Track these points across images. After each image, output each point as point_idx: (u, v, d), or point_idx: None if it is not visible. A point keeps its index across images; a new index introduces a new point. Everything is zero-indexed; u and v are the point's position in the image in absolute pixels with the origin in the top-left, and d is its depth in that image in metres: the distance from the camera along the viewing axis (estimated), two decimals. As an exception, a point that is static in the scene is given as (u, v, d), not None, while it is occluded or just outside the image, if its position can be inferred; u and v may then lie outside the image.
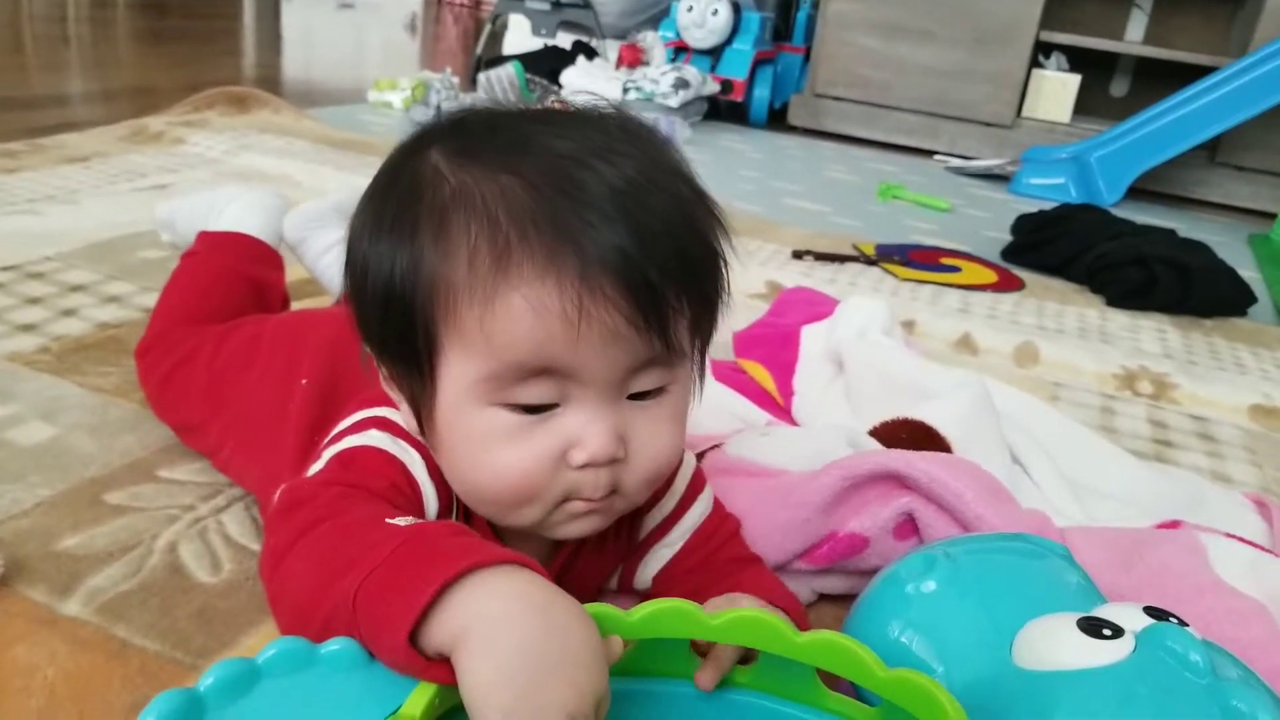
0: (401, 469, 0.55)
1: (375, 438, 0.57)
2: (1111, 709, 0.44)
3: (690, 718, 0.52)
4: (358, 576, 0.42)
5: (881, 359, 0.94)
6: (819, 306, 1.16)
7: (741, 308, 1.37)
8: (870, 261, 1.70)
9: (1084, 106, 2.89)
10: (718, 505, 0.67)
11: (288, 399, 0.70)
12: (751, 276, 1.52)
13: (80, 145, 1.88)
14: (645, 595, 0.66)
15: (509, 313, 0.47)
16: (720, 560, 0.65)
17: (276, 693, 0.41)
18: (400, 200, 0.51)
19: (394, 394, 0.56)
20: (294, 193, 1.69)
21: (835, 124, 3.11)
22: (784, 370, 1.04)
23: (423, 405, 0.54)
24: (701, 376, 0.58)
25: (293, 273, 1.03)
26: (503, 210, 0.47)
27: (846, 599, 0.71)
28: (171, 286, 0.93)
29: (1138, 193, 2.54)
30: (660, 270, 0.48)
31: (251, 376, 0.76)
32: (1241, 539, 0.77)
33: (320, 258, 1.05)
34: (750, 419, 0.96)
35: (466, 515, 0.58)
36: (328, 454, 0.56)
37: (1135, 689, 0.44)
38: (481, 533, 0.56)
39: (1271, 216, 2.40)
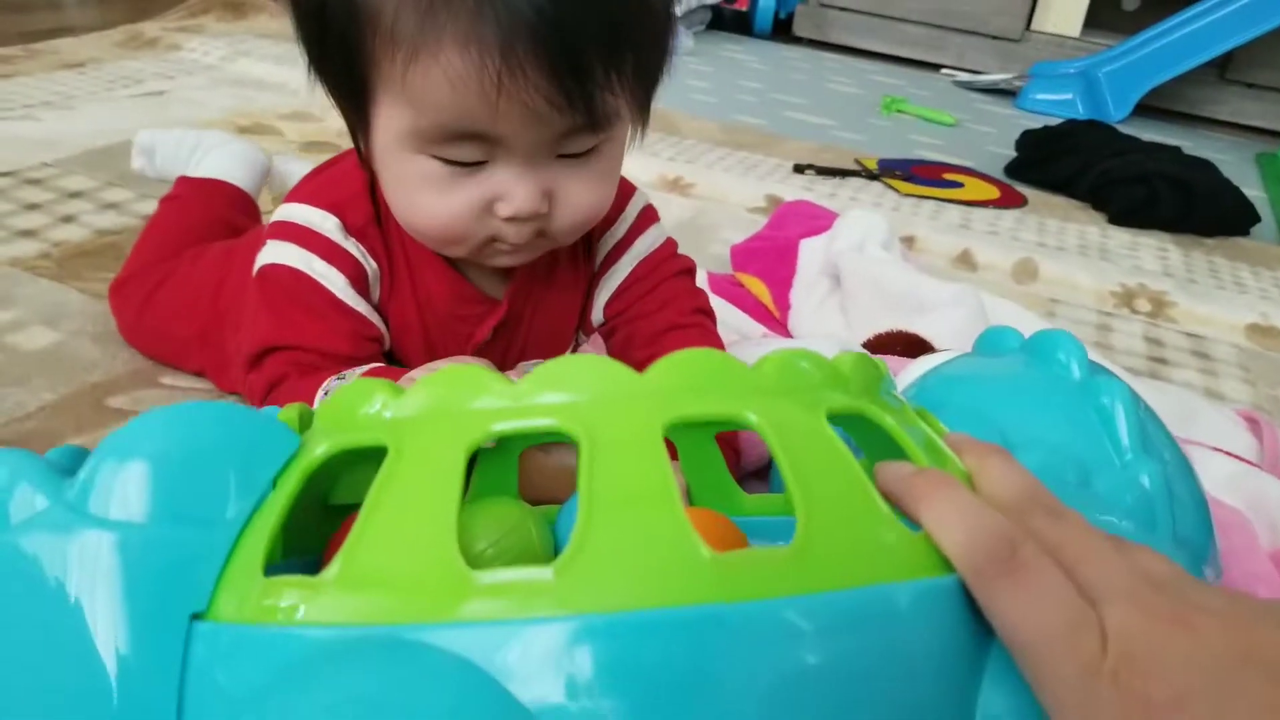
0: (320, 292, 0.60)
1: (288, 256, 0.61)
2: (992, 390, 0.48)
3: None
4: None
5: (878, 272, 0.94)
6: (818, 220, 1.16)
7: (740, 221, 1.37)
8: (872, 176, 1.69)
9: (1095, 20, 2.82)
10: (669, 243, 0.72)
11: None
12: (751, 190, 1.51)
13: (76, 50, 1.85)
14: (603, 332, 0.72)
15: (429, 79, 0.48)
16: (660, 292, 0.69)
17: None
18: None
19: (339, 113, 0.58)
20: (291, 101, 1.67)
21: (841, 35, 3.05)
22: (781, 284, 1.05)
23: (359, 137, 0.57)
24: (644, 126, 0.59)
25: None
26: None
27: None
28: (151, 228, 0.93)
29: (1146, 109, 2.50)
30: (588, 44, 0.48)
31: (232, 278, 0.76)
32: (1229, 453, 0.78)
33: None
34: (745, 331, 0.97)
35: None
36: (259, 262, 0.62)
37: (1021, 380, 0.48)
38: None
39: (1280, 135, 2.38)
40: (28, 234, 1.06)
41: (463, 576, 0.27)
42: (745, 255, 1.13)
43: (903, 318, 0.87)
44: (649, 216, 0.72)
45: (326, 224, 0.61)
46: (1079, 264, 1.39)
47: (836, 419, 0.32)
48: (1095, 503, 0.43)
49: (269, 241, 0.62)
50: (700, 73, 2.43)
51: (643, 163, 1.58)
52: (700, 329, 0.70)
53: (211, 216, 0.93)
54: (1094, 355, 1.06)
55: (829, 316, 0.97)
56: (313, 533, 0.43)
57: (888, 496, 0.31)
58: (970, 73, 2.80)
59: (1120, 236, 1.55)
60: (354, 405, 0.32)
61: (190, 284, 0.81)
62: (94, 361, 0.84)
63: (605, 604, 0.26)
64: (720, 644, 0.26)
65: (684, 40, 2.61)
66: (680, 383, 0.30)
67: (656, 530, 0.26)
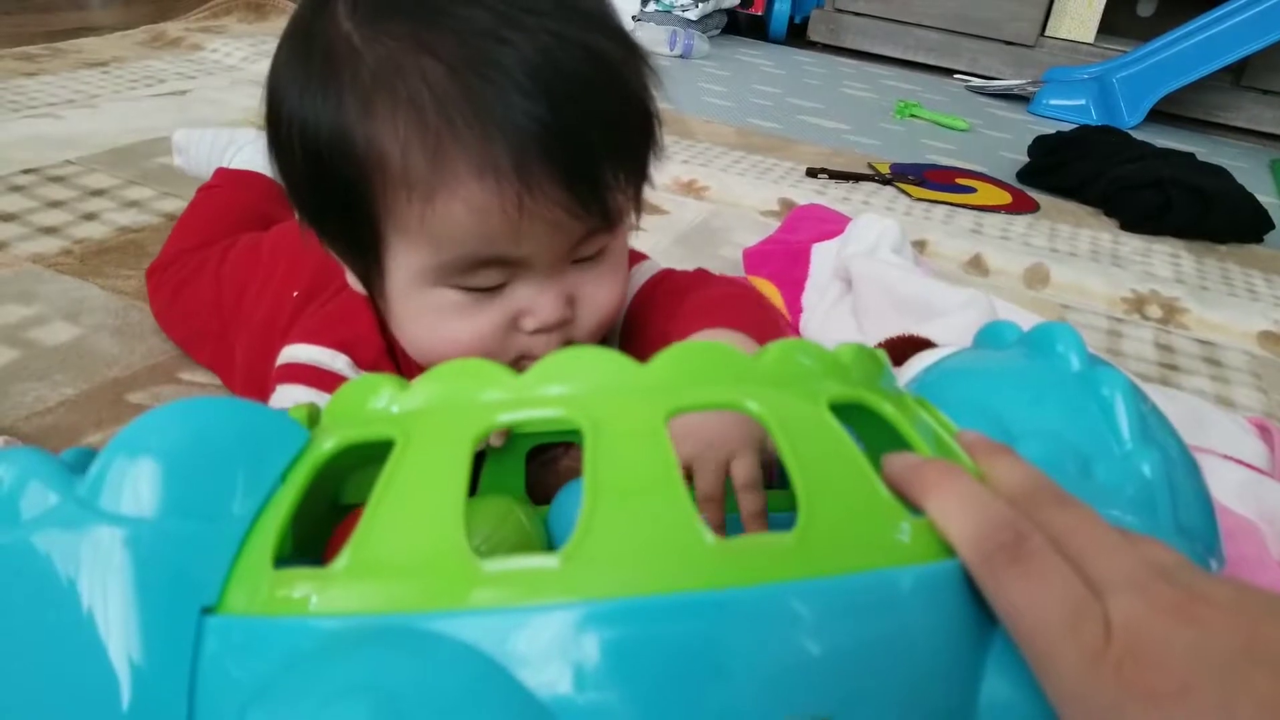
0: None
1: (300, 400, 0.56)
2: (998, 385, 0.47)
3: None
4: None
5: (890, 276, 0.95)
6: (830, 224, 1.17)
7: (753, 224, 1.38)
8: (885, 181, 1.69)
9: (1109, 26, 2.82)
10: (666, 272, 0.68)
11: (282, 309, 0.71)
12: (765, 193, 1.52)
13: (99, 50, 1.88)
14: None
15: (450, 214, 0.48)
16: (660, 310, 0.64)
17: None
18: (322, 73, 0.49)
19: (336, 258, 0.57)
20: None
21: (856, 40, 3.05)
22: (793, 287, 1.05)
23: (372, 283, 0.55)
24: (638, 213, 0.58)
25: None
26: (428, 98, 0.46)
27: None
28: (188, 216, 0.96)
29: (1159, 115, 2.50)
30: (594, 147, 0.48)
31: (254, 285, 0.77)
32: (1239, 461, 0.78)
33: None
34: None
35: None
36: None
37: (1020, 372, 0.48)
38: None
39: (1296, 142, 2.37)
40: (50, 230, 1.07)
41: (471, 564, 0.28)
42: (758, 258, 1.14)
43: (914, 322, 0.88)
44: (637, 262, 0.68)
45: (337, 363, 0.59)
46: (1091, 270, 1.39)
47: (838, 410, 0.33)
48: (1097, 493, 0.43)
49: (278, 387, 0.59)
50: (716, 76, 2.44)
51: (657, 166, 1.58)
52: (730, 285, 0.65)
53: (246, 205, 0.95)
54: (1105, 359, 1.06)
55: (841, 320, 0.98)
56: (323, 531, 0.44)
57: (893, 486, 0.32)
58: (984, 78, 2.81)
59: (1133, 243, 1.55)
60: (361, 400, 0.33)
61: (217, 282, 0.82)
62: (114, 357, 0.85)
63: (610, 590, 0.26)
64: (725, 629, 0.26)
65: (700, 44, 2.62)
66: (682, 373, 0.31)
67: (660, 517, 0.27)
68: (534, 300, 0.53)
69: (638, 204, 0.57)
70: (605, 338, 0.67)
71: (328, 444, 0.32)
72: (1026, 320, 1.01)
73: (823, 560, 0.28)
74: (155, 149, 1.35)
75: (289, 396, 0.59)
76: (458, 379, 0.31)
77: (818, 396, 0.32)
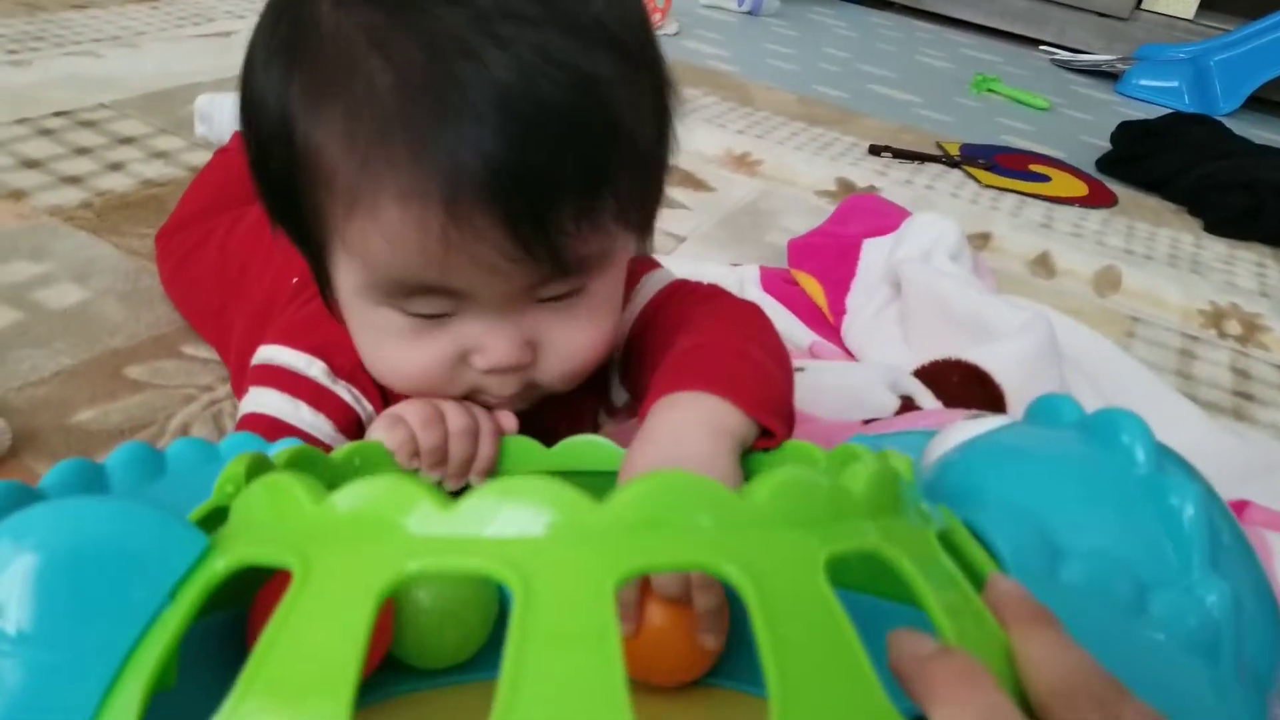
0: (306, 441, 0.53)
1: (272, 404, 0.54)
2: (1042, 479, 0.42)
3: None
4: None
5: (943, 288, 0.87)
6: (885, 218, 1.09)
7: (804, 207, 1.30)
8: (953, 163, 1.60)
9: (1211, 1, 2.65)
10: (678, 282, 0.61)
11: (279, 294, 0.66)
12: (822, 171, 1.44)
13: (151, -18, 1.84)
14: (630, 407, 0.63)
15: (368, 235, 0.43)
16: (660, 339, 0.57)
17: (179, 482, 0.42)
18: (285, 44, 0.44)
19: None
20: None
21: (936, 2, 2.91)
22: (838, 286, 0.98)
23: (325, 288, 0.51)
24: (647, 241, 0.53)
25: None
26: (367, 111, 0.41)
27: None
28: (201, 178, 0.92)
29: (1258, 103, 2.34)
30: (550, 192, 0.41)
31: (256, 263, 0.73)
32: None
33: None
34: (793, 338, 0.91)
35: None
36: (241, 410, 0.56)
37: (1074, 467, 0.42)
38: None
39: (1404, 140, 2.21)
40: (72, 180, 1.04)
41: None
42: (803, 251, 1.07)
43: (965, 343, 0.81)
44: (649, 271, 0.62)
45: (312, 369, 0.55)
46: (1167, 275, 1.30)
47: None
48: (1150, 628, 0.37)
49: (251, 389, 0.56)
50: (783, 37, 2.34)
51: (710, 135, 1.51)
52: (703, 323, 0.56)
53: None
54: (1174, 384, 0.99)
55: (885, 328, 0.91)
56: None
57: (898, 676, 0.26)
58: (1071, 51, 2.66)
59: (1215, 247, 1.45)
60: (271, 504, 0.28)
61: (221, 256, 0.79)
62: (118, 325, 0.82)
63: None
64: None
65: (770, 1, 2.51)
66: (648, 515, 0.25)
67: None
68: (482, 339, 0.47)
69: (643, 235, 0.51)
70: (608, 361, 0.61)
71: (220, 562, 0.27)
72: (1091, 342, 0.94)
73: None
74: (191, 94, 1.30)
75: (261, 400, 0.55)
76: (380, 497, 0.26)
77: (814, 552, 0.26)
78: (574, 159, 0.41)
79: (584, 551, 0.24)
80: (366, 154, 0.41)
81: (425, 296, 0.46)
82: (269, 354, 0.57)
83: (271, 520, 0.28)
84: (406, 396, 0.56)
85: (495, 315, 0.46)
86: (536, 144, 0.40)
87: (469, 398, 0.52)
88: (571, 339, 0.49)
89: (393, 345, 0.49)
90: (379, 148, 0.40)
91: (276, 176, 0.46)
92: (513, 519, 0.25)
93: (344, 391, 0.56)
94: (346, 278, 0.47)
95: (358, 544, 0.26)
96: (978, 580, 0.32)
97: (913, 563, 0.28)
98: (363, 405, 0.57)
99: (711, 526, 0.26)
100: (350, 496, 0.26)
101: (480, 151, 0.39)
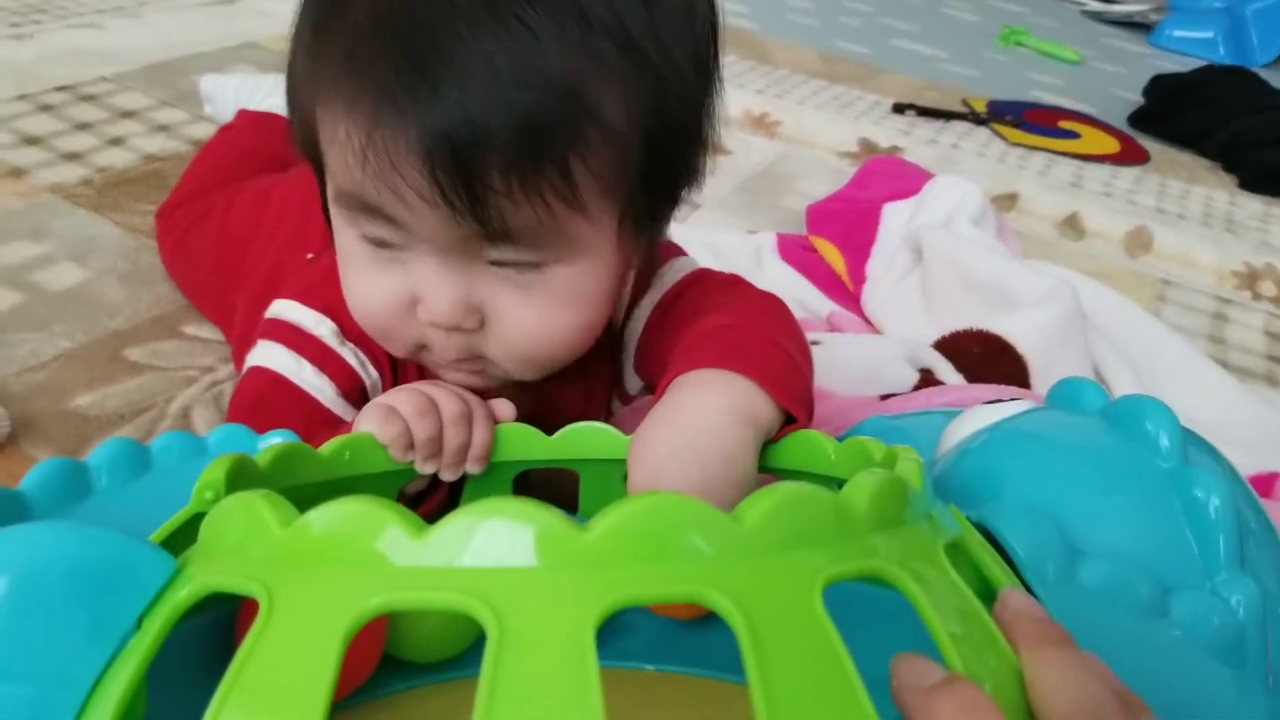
0: (307, 402, 0.54)
1: (277, 360, 0.54)
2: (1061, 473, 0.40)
3: None
4: None
5: (965, 255, 0.84)
6: (907, 181, 1.05)
7: (824, 170, 1.26)
8: (980, 120, 1.55)
9: (1250, -54, 2.56)
10: (700, 271, 0.59)
11: (289, 271, 0.64)
12: (843, 131, 1.40)
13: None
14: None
15: (330, 142, 0.45)
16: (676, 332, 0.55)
17: (164, 478, 0.42)
18: (325, 11, 0.46)
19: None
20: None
21: (963, -46, 2.83)
22: (858, 253, 0.95)
23: (328, 215, 0.52)
24: (650, 239, 0.52)
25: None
26: (351, 12, 0.43)
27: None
28: (204, 154, 0.91)
29: (1297, 52, 2.27)
30: (473, 140, 0.40)
31: (258, 241, 0.71)
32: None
33: None
34: (811, 308, 0.88)
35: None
36: (247, 363, 0.56)
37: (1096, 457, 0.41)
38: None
39: None
40: (72, 157, 1.02)
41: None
42: (822, 217, 1.03)
43: (988, 310, 0.78)
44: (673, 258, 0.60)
45: (321, 329, 0.55)
46: (1200, 235, 1.26)
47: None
48: (1171, 632, 0.35)
49: (259, 341, 0.56)
50: (805, -10, 2.28)
51: (726, 95, 1.47)
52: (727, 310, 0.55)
53: (263, 147, 0.89)
54: (1205, 349, 0.95)
55: (906, 297, 0.87)
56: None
57: (900, 707, 0.24)
58: (1102, 2, 2.57)
59: (1250, 205, 1.40)
60: (240, 525, 0.26)
61: (221, 233, 0.78)
62: (118, 306, 0.81)
63: None
64: None
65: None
66: (633, 544, 0.23)
67: None
68: (426, 286, 0.47)
69: (637, 233, 0.49)
70: (620, 349, 0.59)
71: (184, 590, 0.26)
72: (1119, 307, 0.90)
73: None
74: (193, 66, 1.29)
75: (268, 355, 0.55)
76: (349, 522, 0.24)
77: (811, 577, 0.23)
78: (514, 117, 0.40)
79: (561, 585, 0.22)
80: (342, 59, 0.43)
81: (370, 218, 0.46)
82: (280, 309, 0.56)
83: (238, 544, 0.26)
84: (413, 366, 0.56)
85: (438, 262, 0.46)
86: (479, 94, 0.40)
87: (420, 353, 0.51)
88: (523, 318, 0.48)
89: (355, 272, 0.49)
90: (350, 59, 0.42)
91: (291, 96, 0.49)
92: (487, 547, 0.23)
93: (350, 355, 0.55)
94: (331, 186, 0.48)
95: (325, 574, 0.24)
96: (991, 593, 0.29)
97: (918, 583, 0.25)
98: (368, 372, 0.56)
99: (700, 555, 0.24)
100: (320, 520, 0.24)
101: (415, 84, 0.40)
